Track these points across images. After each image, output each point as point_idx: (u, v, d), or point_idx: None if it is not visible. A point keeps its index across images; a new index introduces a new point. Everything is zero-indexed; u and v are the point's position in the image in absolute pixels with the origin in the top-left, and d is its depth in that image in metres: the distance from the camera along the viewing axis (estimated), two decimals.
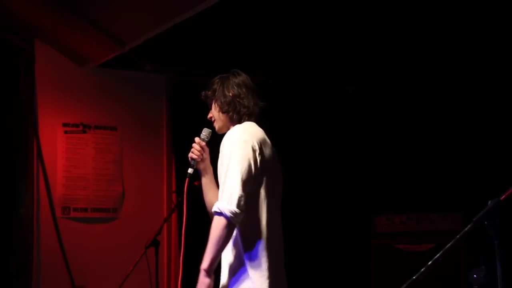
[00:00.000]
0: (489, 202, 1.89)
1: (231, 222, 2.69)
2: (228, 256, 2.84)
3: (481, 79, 5.51)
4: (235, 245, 2.81)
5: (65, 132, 5.19)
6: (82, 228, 5.19)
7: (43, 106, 5.10)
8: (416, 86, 5.99)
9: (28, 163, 4.98)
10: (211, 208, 2.91)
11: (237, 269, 2.80)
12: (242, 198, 2.70)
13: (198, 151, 3.09)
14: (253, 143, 2.79)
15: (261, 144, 2.83)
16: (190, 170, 3.10)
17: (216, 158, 2.94)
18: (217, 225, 2.71)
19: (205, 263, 2.75)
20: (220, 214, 2.71)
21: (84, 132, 5.26)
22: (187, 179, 3.09)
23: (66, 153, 5.18)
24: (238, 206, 2.68)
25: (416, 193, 5.85)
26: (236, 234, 2.79)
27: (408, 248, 5.37)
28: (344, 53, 5.32)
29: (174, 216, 5.33)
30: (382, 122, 6.27)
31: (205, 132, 3.14)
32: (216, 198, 2.96)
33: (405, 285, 1.84)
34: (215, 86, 3.05)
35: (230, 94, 2.98)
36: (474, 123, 5.66)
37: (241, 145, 2.78)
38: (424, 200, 5.75)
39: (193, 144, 3.11)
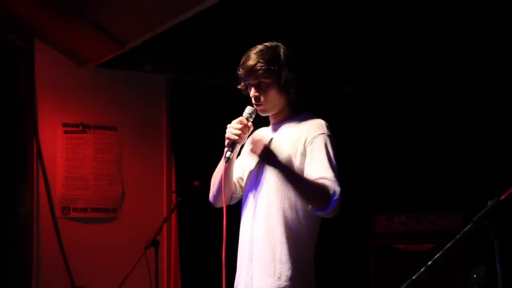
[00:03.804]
0: (489, 202, 1.89)
1: (334, 206, 2.58)
2: (279, 242, 2.63)
3: (481, 80, 5.52)
4: (291, 232, 2.64)
5: (65, 132, 5.19)
6: (82, 228, 5.19)
7: (43, 106, 5.10)
8: (416, 86, 6.00)
9: (28, 163, 4.98)
10: (227, 191, 2.77)
11: (292, 256, 2.63)
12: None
13: (244, 133, 2.68)
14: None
15: None
16: (229, 154, 2.68)
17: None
18: (328, 192, 2.54)
19: (276, 164, 2.55)
20: (334, 192, 2.56)
21: (84, 132, 5.26)
22: (225, 165, 2.68)
23: (66, 153, 5.18)
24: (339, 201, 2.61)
25: (416, 193, 5.85)
26: (297, 222, 2.65)
27: (408, 248, 5.37)
28: (344, 53, 5.32)
29: (174, 216, 5.34)
30: (382, 122, 6.27)
31: (249, 110, 2.72)
32: (232, 181, 2.83)
33: (404, 285, 1.84)
34: (277, 63, 2.65)
35: (296, 80, 2.68)
36: (474, 123, 5.66)
37: (334, 142, 2.71)
38: (424, 200, 5.75)
39: (237, 126, 2.67)
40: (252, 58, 2.68)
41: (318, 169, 2.59)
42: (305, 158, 2.66)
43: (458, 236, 1.88)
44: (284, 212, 2.65)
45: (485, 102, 5.57)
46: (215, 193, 2.85)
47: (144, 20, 4.45)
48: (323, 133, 2.67)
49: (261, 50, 2.70)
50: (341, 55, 5.36)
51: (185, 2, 4.10)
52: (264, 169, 2.71)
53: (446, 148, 5.90)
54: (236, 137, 2.67)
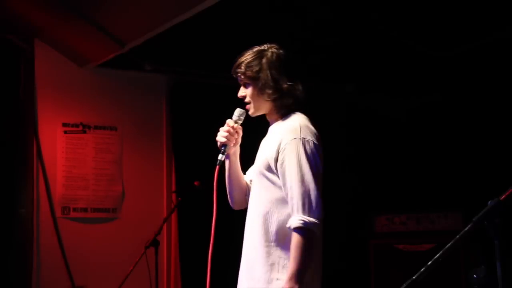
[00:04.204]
0: (489, 202, 1.89)
1: (317, 235, 2.52)
2: (265, 253, 2.63)
3: (481, 80, 5.51)
4: (283, 241, 2.61)
5: (65, 132, 5.19)
6: (82, 228, 5.19)
7: (43, 106, 5.11)
8: (416, 86, 6.00)
9: (28, 163, 4.98)
10: (235, 192, 2.81)
11: (269, 268, 2.60)
12: (322, 207, 2.54)
13: (232, 135, 2.74)
14: (318, 142, 2.64)
15: (321, 142, 2.67)
16: (221, 157, 2.73)
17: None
18: (307, 241, 2.48)
19: (294, 280, 2.49)
20: (305, 229, 2.48)
21: (84, 132, 5.26)
22: (217, 167, 2.72)
23: (66, 153, 5.18)
24: (320, 217, 2.53)
25: (416, 193, 5.84)
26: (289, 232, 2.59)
27: (408, 248, 5.37)
28: (344, 53, 5.32)
29: (174, 216, 5.34)
30: (381, 122, 6.27)
31: (239, 113, 2.78)
32: (242, 182, 2.85)
33: (404, 285, 1.84)
34: (258, 66, 2.68)
35: (279, 79, 2.67)
36: (474, 123, 5.66)
37: (310, 147, 2.59)
38: (424, 200, 5.75)
39: (225, 128, 2.74)
40: (238, 60, 2.74)
41: (290, 190, 2.56)
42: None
43: (458, 236, 1.88)
44: (263, 217, 2.66)
45: (484, 102, 5.57)
46: (228, 196, 2.91)
47: (144, 20, 4.45)
48: (294, 138, 2.60)
49: (247, 52, 2.75)
50: (341, 55, 5.36)
51: (185, 2, 4.10)
52: (255, 174, 2.75)
53: (446, 148, 5.90)
54: (224, 140, 2.73)
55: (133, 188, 5.42)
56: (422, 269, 1.86)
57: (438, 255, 1.87)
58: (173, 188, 5.46)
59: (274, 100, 2.70)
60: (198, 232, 5.38)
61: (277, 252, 2.60)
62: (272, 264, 2.60)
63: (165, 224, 4.88)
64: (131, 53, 4.93)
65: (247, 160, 2.91)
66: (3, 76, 4.94)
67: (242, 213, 2.88)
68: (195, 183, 4.50)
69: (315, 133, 2.67)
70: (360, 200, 6.00)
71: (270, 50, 2.74)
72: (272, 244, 2.61)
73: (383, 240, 5.51)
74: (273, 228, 2.61)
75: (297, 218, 2.51)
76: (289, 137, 2.61)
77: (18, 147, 4.97)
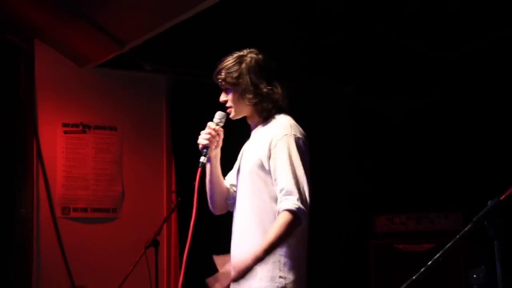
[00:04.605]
0: (489, 202, 1.89)
1: (302, 222, 2.56)
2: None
3: (481, 80, 5.52)
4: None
5: (65, 132, 5.19)
6: (82, 228, 5.19)
7: (43, 106, 5.10)
8: (416, 86, 6.00)
9: (28, 163, 4.98)
10: (216, 196, 2.87)
11: (271, 266, 2.63)
12: (310, 199, 2.59)
13: (214, 137, 2.80)
14: (306, 140, 2.71)
15: (308, 141, 2.73)
16: (203, 159, 2.79)
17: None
18: (290, 222, 2.53)
19: (262, 255, 2.53)
20: (296, 212, 2.53)
21: (84, 132, 5.26)
22: (199, 169, 2.79)
23: (66, 153, 5.18)
24: (308, 206, 2.58)
25: (416, 193, 5.85)
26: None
27: (408, 248, 5.37)
28: (345, 53, 5.32)
29: (174, 216, 5.33)
30: (382, 122, 6.27)
31: (220, 115, 2.85)
32: (223, 186, 2.89)
33: (404, 285, 1.84)
34: (238, 72, 2.76)
35: (257, 84, 2.73)
36: (474, 124, 5.66)
37: (299, 143, 2.66)
38: (424, 200, 5.75)
39: (207, 130, 2.82)
40: (219, 66, 2.82)
41: (282, 184, 2.60)
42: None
43: (458, 236, 1.88)
44: (259, 218, 2.71)
45: (485, 102, 5.57)
46: (209, 201, 2.96)
47: (144, 20, 4.45)
48: (286, 135, 2.67)
49: (227, 58, 2.82)
50: (342, 55, 5.36)
51: (185, 2, 4.10)
52: (245, 176, 2.79)
53: (446, 148, 5.91)
54: (206, 142, 2.79)
55: (133, 188, 5.42)
56: (422, 269, 1.86)
57: (438, 255, 1.87)
58: (173, 188, 5.46)
59: (254, 105, 2.77)
60: (198, 232, 5.40)
61: (278, 250, 2.62)
62: (273, 263, 2.62)
63: (165, 224, 4.88)
64: (131, 53, 4.93)
65: (228, 164, 2.97)
66: (3, 76, 4.93)
67: (228, 215, 2.91)
68: (194, 183, 4.50)
69: (303, 133, 2.74)
70: (360, 200, 6.00)
71: (249, 55, 2.81)
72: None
73: (383, 240, 5.51)
74: (262, 227, 2.65)
75: (293, 202, 2.55)
76: (280, 134, 2.67)
77: (18, 147, 4.96)
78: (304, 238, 2.72)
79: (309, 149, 2.72)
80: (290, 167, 2.60)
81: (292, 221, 2.54)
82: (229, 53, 2.90)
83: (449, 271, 4.86)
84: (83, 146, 5.26)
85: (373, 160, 6.16)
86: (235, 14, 4.48)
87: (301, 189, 2.58)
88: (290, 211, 2.54)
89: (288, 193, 2.57)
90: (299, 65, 5.51)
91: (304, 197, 2.57)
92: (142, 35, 4.60)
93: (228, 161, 2.99)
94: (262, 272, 2.62)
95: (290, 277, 2.63)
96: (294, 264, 2.65)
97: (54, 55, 5.16)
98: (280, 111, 2.79)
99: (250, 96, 2.75)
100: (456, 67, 5.43)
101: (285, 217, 2.55)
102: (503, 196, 1.89)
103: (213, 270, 2.84)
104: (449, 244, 1.88)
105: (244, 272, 2.55)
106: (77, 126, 5.25)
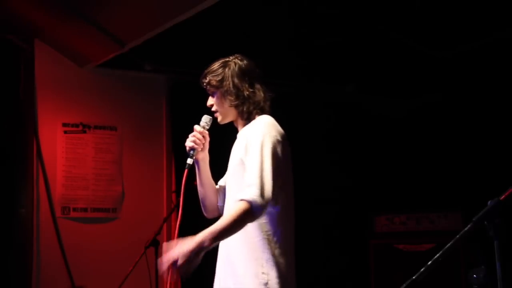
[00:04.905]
0: (489, 202, 1.89)
1: (255, 213, 2.58)
2: (248, 248, 2.71)
3: (481, 80, 5.52)
4: (252, 237, 2.69)
5: (65, 132, 5.19)
6: (82, 228, 5.19)
7: (43, 106, 5.11)
8: (416, 86, 6.00)
9: (28, 163, 4.98)
10: (207, 199, 2.94)
11: (253, 263, 2.68)
12: (272, 193, 2.60)
13: (200, 139, 2.92)
14: (283, 139, 2.74)
15: (287, 142, 2.77)
16: (189, 161, 2.91)
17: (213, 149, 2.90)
18: (242, 211, 2.56)
19: (205, 236, 2.56)
20: (250, 202, 2.56)
21: (84, 132, 5.26)
22: (186, 171, 2.89)
23: (66, 153, 5.18)
24: (267, 200, 2.58)
25: (416, 193, 5.85)
26: (257, 227, 2.69)
27: (408, 248, 5.37)
28: (344, 53, 5.32)
29: (174, 216, 5.33)
30: (382, 122, 6.27)
31: (206, 119, 2.98)
32: (213, 189, 2.97)
33: (404, 285, 1.84)
34: (221, 75, 2.86)
35: (239, 86, 2.82)
36: (474, 123, 5.66)
37: (273, 140, 2.69)
38: (424, 200, 5.75)
39: (193, 133, 2.95)
40: (205, 71, 2.93)
41: (248, 176, 2.65)
42: None
43: (458, 236, 1.88)
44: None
45: (484, 102, 5.57)
46: (201, 204, 3.05)
47: (144, 20, 4.45)
48: (261, 133, 2.72)
49: (213, 64, 2.92)
50: (341, 55, 5.36)
51: (185, 2, 4.10)
52: (231, 177, 2.87)
53: (446, 148, 5.90)
54: (192, 144, 2.92)
55: (133, 188, 5.42)
56: (422, 269, 1.86)
57: (438, 255, 1.87)
58: (173, 188, 5.46)
59: (236, 107, 2.85)
60: (198, 232, 5.40)
61: (260, 247, 2.68)
62: (256, 259, 2.68)
63: (165, 224, 4.88)
64: (131, 53, 4.93)
65: (219, 168, 3.03)
66: (3, 76, 4.94)
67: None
68: (195, 183, 4.50)
69: (280, 132, 2.78)
70: (360, 200, 6.00)
71: (233, 60, 2.91)
72: (255, 239, 2.69)
73: (383, 240, 5.51)
74: (254, 224, 2.67)
75: (250, 193, 2.58)
76: (255, 132, 2.74)
77: (18, 147, 4.97)
78: (288, 234, 2.76)
79: (287, 148, 2.77)
80: (258, 163, 2.65)
81: (245, 211, 2.57)
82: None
83: (449, 271, 4.86)
84: (83, 146, 5.26)
85: (374, 160, 6.16)
86: (235, 14, 4.48)
87: (263, 182, 2.61)
88: (245, 201, 2.58)
89: (249, 185, 2.61)
90: (299, 65, 5.51)
91: (263, 191, 2.59)
92: (142, 35, 4.60)
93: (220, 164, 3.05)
94: (246, 268, 2.68)
95: (273, 273, 2.66)
96: (277, 260, 2.69)
97: (54, 55, 5.16)
98: (262, 113, 2.86)
99: (232, 98, 2.84)
100: (456, 67, 5.43)
101: (238, 206, 2.58)
102: (503, 196, 1.89)
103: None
104: (449, 244, 1.88)
105: (189, 256, 2.55)
106: (77, 126, 5.25)
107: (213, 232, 2.56)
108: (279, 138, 2.73)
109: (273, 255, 2.68)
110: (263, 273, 2.66)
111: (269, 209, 2.65)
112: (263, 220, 2.67)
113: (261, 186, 2.59)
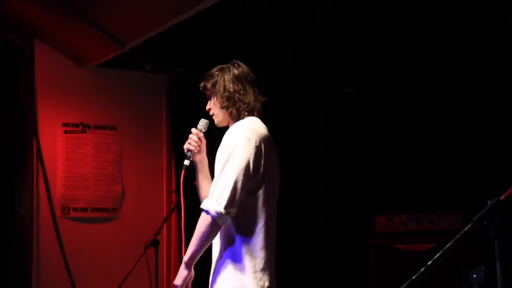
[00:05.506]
0: (489, 202, 1.89)
1: (216, 222, 2.69)
2: (220, 253, 2.83)
3: (480, 79, 5.51)
4: (229, 243, 2.79)
5: (65, 132, 5.19)
6: (82, 228, 5.19)
7: (43, 106, 5.11)
8: (416, 86, 6.00)
9: (28, 163, 4.98)
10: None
11: (228, 267, 2.77)
12: (232, 200, 2.68)
13: (196, 142, 3.05)
14: (256, 141, 2.76)
15: (264, 143, 2.79)
16: (186, 162, 3.05)
17: (213, 151, 2.92)
18: (202, 223, 2.72)
19: (186, 256, 2.78)
20: (207, 212, 2.70)
21: (84, 132, 5.26)
22: (183, 171, 3.04)
23: (65, 153, 5.18)
24: (226, 207, 2.67)
25: (416, 193, 5.85)
26: (232, 233, 2.78)
27: (408, 248, 5.37)
28: (344, 53, 5.32)
29: (174, 216, 5.33)
30: (382, 122, 6.27)
31: (202, 122, 3.10)
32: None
33: (404, 285, 1.84)
34: (215, 79, 2.98)
35: (230, 89, 2.92)
36: (474, 123, 5.66)
37: (243, 143, 2.74)
38: (424, 200, 5.75)
39: (190, 135, 3.07)
40: (203, 77, 3.04)
41: (212, 185, 2.82)
42: None
43: (458, 236, 1.88)
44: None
45: (484, 102, 5.57)
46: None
47: (144, 20, 4.45)
48: (232, 135, 2.80)
49: (211, 70, 3.03)
50: (341, 55, 5.36)
51: (185, 2, 4.10)
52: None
53: (446, 148, 5.90)
54: (188, 146, 3.05)
55: (133, 188, 5.42)
56: (422, 269, 1.86)
57: (438, 255, 1.87)
58: (173, 188, 5.46)
59: (227, 108, 2.94)
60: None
61: (225, 254, 2.80)
62: (234, 263, 2.78)
63: (165, 224, 4.88)
64: (131, 53, 4.93)
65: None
66: (3, 76, 4.94)
67: None
68: (195, 183, 4.50)
69: (259, 134, 2.82)
70: (360, 200, 6.00)
71: (228, 66, 3.01)
72: (223, 246, 2.82)
73: (383, 240, 5.51)
74: (222, 231, 2.80)
75: (206, 202, 2.72)
76: (227, 136, 2.83)
77: (18, 147, 4.96)
78: (263, 236, 2.79)
79: (266, 150, 2.80)
80: (222, 168, 2.75)
81: (205, 222, 2.72)
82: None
83: (449, 271, 4.86)
84: (83, 146, 5.26)
85: (373, 160, 6.16)
86: (235, 14, 4.48)
87: (220, 190, 2.71)
88: (204, 211, 2.73)
89: (210, 195, 2.76)
90: (299, 65, 5.51)
91: (219, 198, 2.69)
92: (142, 35, 4.60)
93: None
94: (225, 273, 2.77)
95: (249, 276, 2.74)
96: (254, 263, 2.75)
97: (54, 55, 5.16)
98: (251, 114, 2.92)
99: (223, 100, 2.94)
100: (456, 67, 5.43)
101: (200, 219, 2.74)
102: (503, 196, 1.89)
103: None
104: (449, 244, 1.88)
105: (184, 278, 2.79)
106: (77, 125, 5.25)
107: (189, 252, 2.77)
108: (254, 142, 2.76)
109: (252, 257, 2.75)
110: (239, 276, 2.75)
111: (238, 212, 2.73)
112: (227, 228, 2.78)
113: (217, 194, 2.70)
